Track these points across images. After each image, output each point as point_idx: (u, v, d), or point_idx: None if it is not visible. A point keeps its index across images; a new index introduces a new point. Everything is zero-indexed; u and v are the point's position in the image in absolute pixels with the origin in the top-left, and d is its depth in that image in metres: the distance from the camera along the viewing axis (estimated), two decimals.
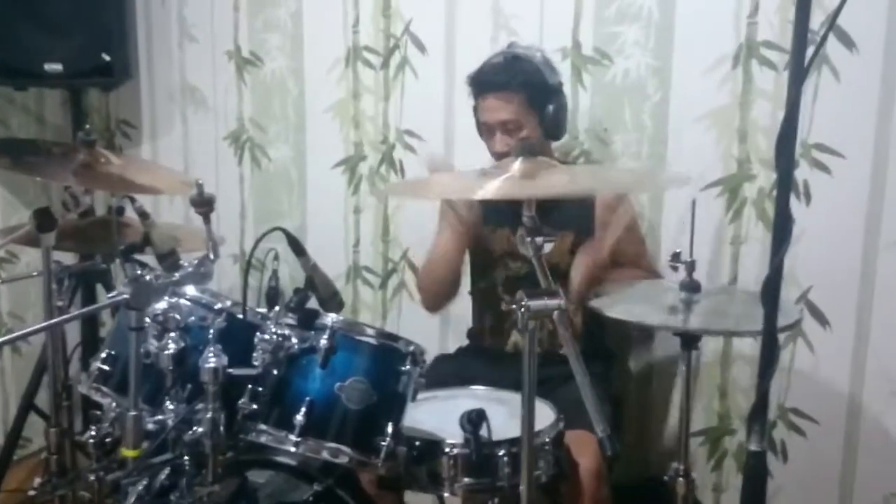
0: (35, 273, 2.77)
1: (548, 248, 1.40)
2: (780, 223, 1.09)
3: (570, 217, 2.21)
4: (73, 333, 2.88)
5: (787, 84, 1.11)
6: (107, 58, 2.79)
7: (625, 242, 2.32)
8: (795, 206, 2.25)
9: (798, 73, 1.06)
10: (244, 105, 3.03)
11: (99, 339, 2.88)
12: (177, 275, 1.60)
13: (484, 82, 2.22)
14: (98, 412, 1.92)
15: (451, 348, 2.66)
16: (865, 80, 2.16)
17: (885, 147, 2.17)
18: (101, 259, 2.50)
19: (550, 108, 2.19)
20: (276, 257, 2.05)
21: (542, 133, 2.22)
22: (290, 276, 2.94)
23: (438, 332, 2.80)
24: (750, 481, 1.20)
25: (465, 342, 2.53)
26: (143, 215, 1.79)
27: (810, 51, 1.18)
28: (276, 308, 1.65)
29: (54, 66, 2.77)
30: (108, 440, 1.95)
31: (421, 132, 2.75)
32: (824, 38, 1.13)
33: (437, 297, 2.41)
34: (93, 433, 1.90)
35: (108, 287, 2.85)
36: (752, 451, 1.19)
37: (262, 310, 2.70)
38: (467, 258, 2.39)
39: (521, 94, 2.17)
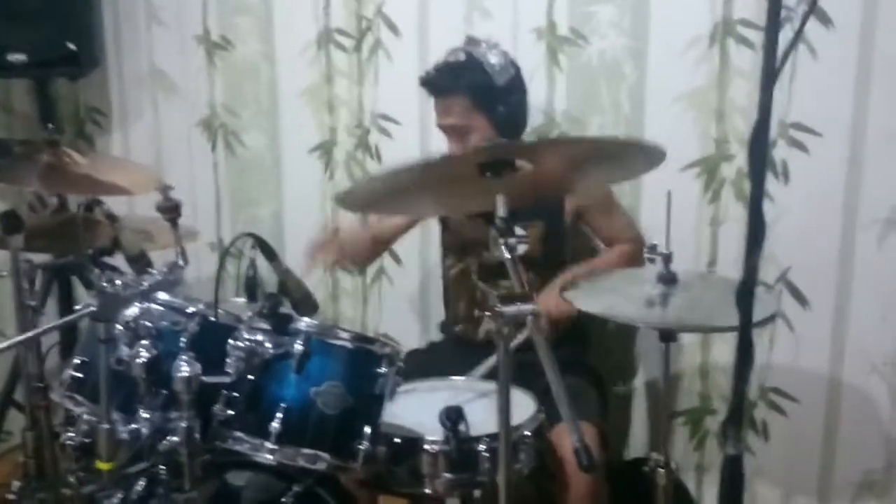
0: (4, 273, 2.74)
1: (521, 249, 1.38)
2: (753, 230, 1.07)
3: (539, 207, 2.17)
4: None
5: (760, 90, 1.09)
6: (72, 47, 2.72)
7: (606, 220, 2.31)
8: (774, 185, 2.25)
9: (769, 80, 1.03)
10: (216, 90, 2.97)
11: (77, 335, 2.85)
12: (146, 283, 1.57)
13: (430, 87, 2.17)
14: (76, 414, 1.91)
15: (433, 336, 2.65)
16: (842, 57, 2.14)
17: (863, 125, 2.16)
18: (75, 258, 2.46)
19: (501, 108, 2.12)
20: (254, 245, 2.02)
21: (496, 133, 2.13)
22: (268, 266, 2.93)
23: (419, 319, 2.80)
24: (727, 485, 1.19)
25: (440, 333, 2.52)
26: (112, 218, 1.76)
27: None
28: (249, 314, 1.62)
29: (18, 57, 2.70)
30: (87, 440, 1.94)
31: (396, 116, 2.71)
32: (797, 36, 1.10)
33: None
34: (71, 434, 1.89)
35: (85, 280, 2.81)
36: (728, 456, 1.19)
37: (239, 300, 2.70)
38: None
39: (465, 98, 2.10)
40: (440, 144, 2.57)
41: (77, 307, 1.55)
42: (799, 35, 1.11)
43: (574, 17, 2.42)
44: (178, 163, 3.06)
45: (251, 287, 2.92)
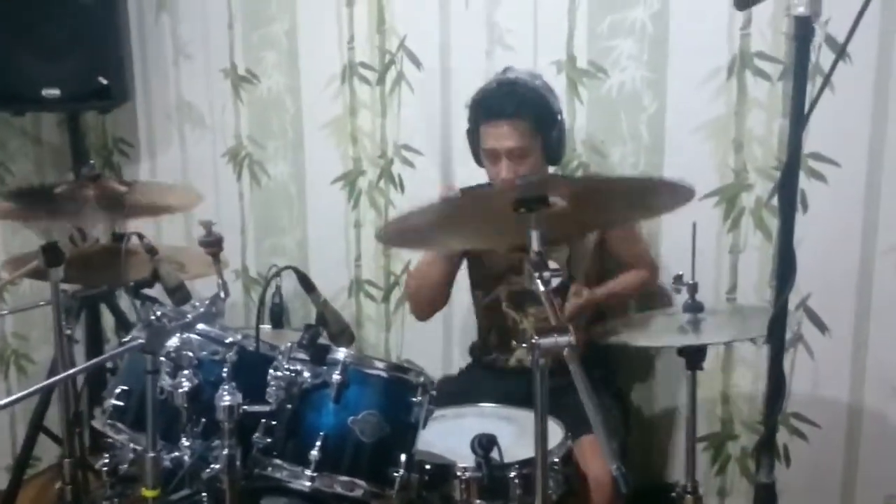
0: (42, 303, 2.80)
1: (555, 282, 1.42)
2: (783, 265, 1.11)
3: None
4: (78, 357, 2.89)
5: (788, 134, 1.14)
6: (104, 81, 2.79)
7: (627, 247, 2.36)
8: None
9: (798, 121, 1.09)
10: (241, 122, 3.04)
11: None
12: (189, 316, 1.62)
13: (491, 110, 2.18)
14: (111, 440, 1.95)
15: (455, 361, 2.70)
16: (859, 89, 2.19)
17: (880, 155, 2.21)
18: (108, 287, 2.52)
19: (554, 133, 2.20)
20: (278, 273, 2.07)
21: (544, 159, 2.22)
22: (295, 290, 2.99)
23: (442, 345, 2.83)
24: None
25: (468, 357, 2.56)
26: (152, 251, 1.82)
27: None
28: (289, 343, 1.67)
29: (52, 92, 2.77)
30: (121, 467, 1.98)
31: (419, 147, 2.77)
32: (824, 84, 1.16)
33: (423, 306, 2.44)
34: (106, 461, 1.94)
35: (113, 308, 2.87)
36: (761, 483, 1.23)
37: (266, 327, 2.73)
38: (463, 271, 2.43)
39: (528, 121, 2.15)
40: (462, 173, 2.65)
41: (125, 339, 1.61)
42: (826, 83, 1.16)
43: (593, 51, 2.48)
44: (203, 192, 3.09)
45: (277, 315, 2.99)
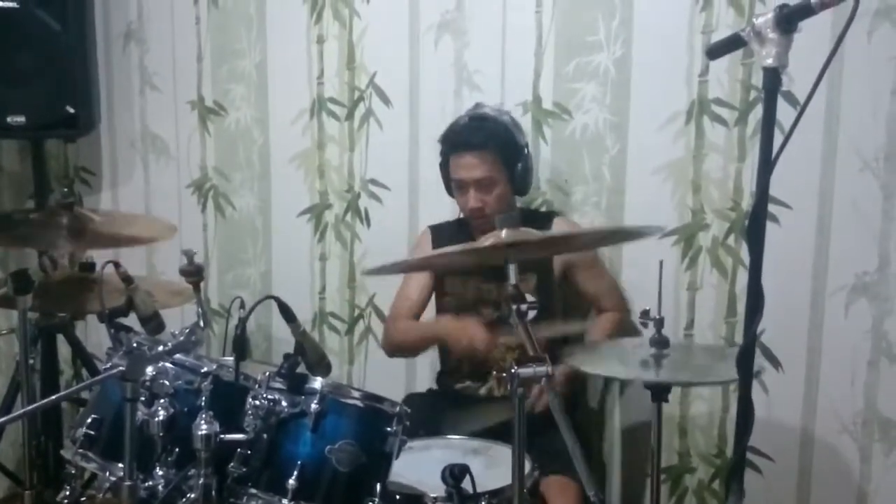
0: (4, 331, 2.76)
1: (532, 314, 1.47)
2: (752, 299, 1.18)
3: (531, 260, 2.31)
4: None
5: (757, 174, 1.22)
6: (71, 110, 2.79)
7: (590, 279, 2.44)
8: (747, 254, 2.38)
9: (766, 166, 1.16)
10: (208, 153, 3.05)
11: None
12: (169, 344, 1.63)
13: (459, 142, 2.31)
14: (71, 471, 1.93)
15: (417, 391, 2.71)
16: (810, 136, 2.30)
17: (829, 198, 2.32)
18: (69, 317, 2.50)
19: (519, 166, 2.31)
20: (242, 305, 2.08)
21: (511, 190, 2.32)
22: (257, 322, 2.99)
23: (405, 375, 2.86)
24: None
25: (431, 385, 2.60)
26: (128, 280, 1.82)
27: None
28: (267, 373, 1.68)
29: (17, 119, 2.76)
30: (83, 499, 1.97)
31: (386, 182, 2.81)
32: (787, 138, 1.24)
33: (404, 354, 2.59)
34: (67, 493, 1.92)
35: (70, 338, 2.84)
36: None
37: (228, 359, 2.75)
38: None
39: (494, 152, 2.27)
40: (429, 209, 2.70)
41: (105, 366, 1.60)
42: (789, 136, 1.25)
43: (558, 93, 2.57)
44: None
45: (240, 346, 2.99)
